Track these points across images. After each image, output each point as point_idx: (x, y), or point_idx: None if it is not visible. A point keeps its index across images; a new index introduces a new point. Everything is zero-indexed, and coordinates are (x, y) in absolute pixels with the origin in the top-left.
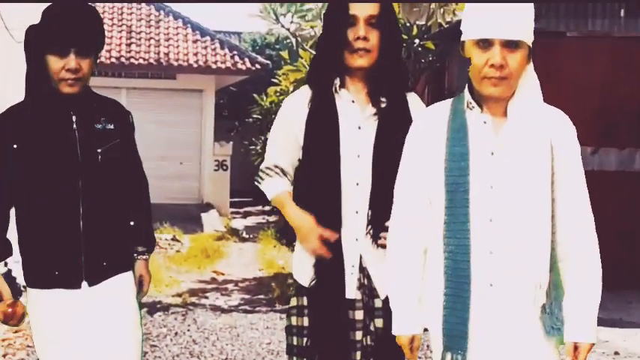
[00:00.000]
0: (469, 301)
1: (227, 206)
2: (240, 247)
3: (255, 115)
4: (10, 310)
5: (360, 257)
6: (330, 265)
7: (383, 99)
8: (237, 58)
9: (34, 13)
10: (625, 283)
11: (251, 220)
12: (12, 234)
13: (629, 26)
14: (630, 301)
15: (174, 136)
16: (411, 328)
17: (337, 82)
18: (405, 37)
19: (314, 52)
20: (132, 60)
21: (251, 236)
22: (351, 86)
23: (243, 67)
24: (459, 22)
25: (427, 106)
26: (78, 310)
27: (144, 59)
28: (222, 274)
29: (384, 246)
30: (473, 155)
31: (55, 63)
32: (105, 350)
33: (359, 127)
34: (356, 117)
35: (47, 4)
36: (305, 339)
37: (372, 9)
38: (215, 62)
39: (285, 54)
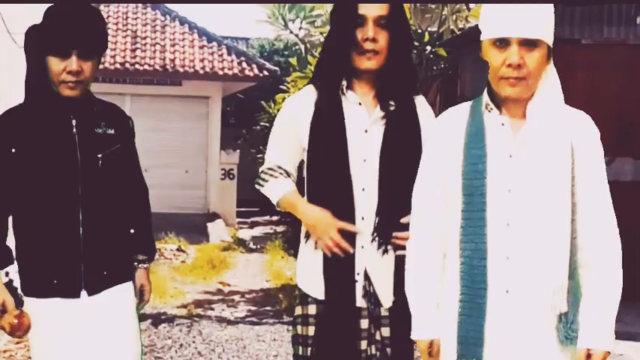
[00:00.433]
0: (485, 308)
1: (234, 216)
2: (246, 258)
3: (262, 123)
4: (16, 321)
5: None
6: (340, 273)
7: (391, 102)
8: (244, 65)
9: (36, 18)
10: None
11: (258, 231)
12: (12, 242)
13: None
14: None
15: (179, 144)
16: (430, 332)
17: (344, 83)
18: (416, 43)
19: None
20: (137, 66)
21: (258, 247)
22: (357, 88)
23: (251, 74)
24: (471, 29)
25: (439, 114)
26: (77, 320)
27: (149, 65)
28: (229, 285)
29: (399, 247)
30: (490, 158)
31: (55, 65)
32: None
33: (365, 131)
34: (363, 120)
35: (49, 5)
36: (310, 349)
37: (382, 9)
38: (222, 68)
39: (293, 60)
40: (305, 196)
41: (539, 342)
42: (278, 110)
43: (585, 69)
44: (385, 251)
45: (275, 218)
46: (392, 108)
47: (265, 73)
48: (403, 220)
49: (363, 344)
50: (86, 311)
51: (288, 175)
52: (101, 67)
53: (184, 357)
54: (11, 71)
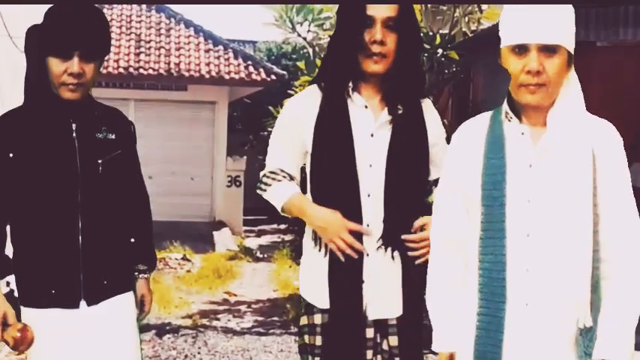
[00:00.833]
0: (504, 322)
1: (240, 224)
2: (253, 267)
3: (270, 129)
4: (19, 335)
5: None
6: (346, 281)
7: (398, 105)
8: (251, 69)
9: (38, 20)
10: None
11: (265, 239)
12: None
13: None
14: None
15: (184, 151)
16: (451, 344)
17: (350, 85)
18: (427, 46)
19: None
20: (141, 70)
21: (265, 256)
22: (364, 90)
23: (258, 78)
24: (484, 31)
25: (450, 119)
26: (76, 331)
27: (153, 69)
28: (235, 295)
29: (407, 252)
30: (510, 168)
31: (56, 66)
32: None
33: (371, 135)
34: (369, 124)
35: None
36: (318, 359)
37: (391, 10)
38: (228, 73)
39: (301, 64)
40: None
41: (558, 357)
42: None
43: (601, 72)
44: (392, 258)
45: (283, 226)
46: (399, 112)
47: (273, 77)
48: (416, 224)
49: (369, 354)
50: (85, 322)
51: (292, 178)
52: (104, 71)
53: None
54: (12, 75)
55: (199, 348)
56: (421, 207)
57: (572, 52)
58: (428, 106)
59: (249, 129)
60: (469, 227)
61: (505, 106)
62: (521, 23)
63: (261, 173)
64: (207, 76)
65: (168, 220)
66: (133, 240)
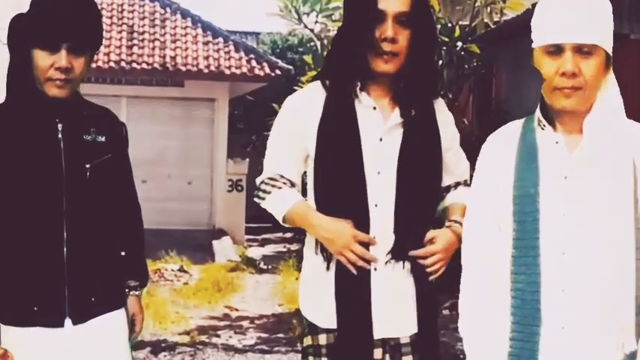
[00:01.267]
0: (538, 347)
1: (242, 233)
2: (257, 280)
3: None
4: None
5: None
6: (355, 299)
7: (410, 107)
8: (254, 63)
9: (24, 11)
10: None
11: (270, 249)
12: None
13: None
14: None
15: (181, 152)
16: None
17: (357, 83)
18: (446, 39)
19: None
20: (133, 64)
21: (270, 267)
22: (372, 90)
23: (262, 73)
24: (507, 23)
25: (471, 118)
26: (60, 352)
27: (147, 64)
28: (236, 310)
29: (418, 267)
30: (543, 180)
31: (42, 59)
32: None
33: (380, 139)
34: (377, 126)
35: None
36: None
37: (404, 4)
38: (229, 67)
39: (308, 58)
40: None
41: None
42: None
43: (634, 66)
44: (402, 272)
45: (288, 235)
46: (410, 114)
47: (277, 72)
48: (426, 238)
49: None
50: (71, 342)
51: (293, 185)
52: (93, 65)
53: None
54: None
55: None
56: (433, 217)
57: (611, 53)
58: (441, 107)
59: (251, 129)
60: (501, 244)
61: (538, 113)
62: (555, 21)
63: (258, 179)
64: (205, 70)
65: (164, 228)
66: (123, 253)
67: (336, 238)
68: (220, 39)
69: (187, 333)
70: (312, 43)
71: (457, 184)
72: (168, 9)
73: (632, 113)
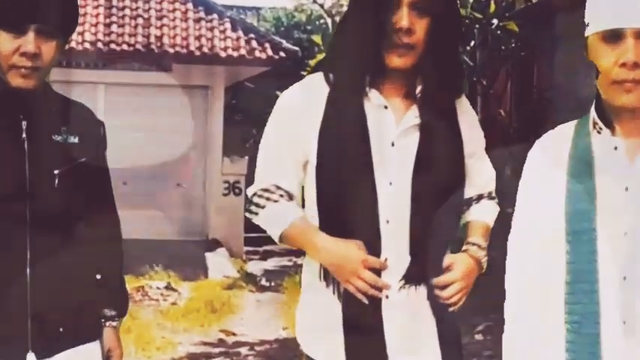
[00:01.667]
0: None
1: (241, 243)
2: (257, 299)
3: None
4: None
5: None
6: (367, 331)
7: (427, 106)
8: (254, 44)
9: None
10: None
11: (273, 263)
12: None
13: None
14: None
15: (168, 149)
16: None
17: (367, 78)
18: (479, 15)
19: None
20: (112, 46)
21: (272, 284)
22: (383, 86)
23: (263, 56)
24: None
25: (509, 109)
26: None
27: (128, 44)
28: (234, 335)
29: (437, 299)
30: (600, 193)
31: (6, 43)
32: None
33: (392, 144)
34: (389, 129)
35: None
36: None
37: None
38: (225, 49)
39: (317, 38)
40: None
41: None
42: None
43: None
44: (418, 301)
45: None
46: (427, 114)
47: (282, 54)
48: (444, 263)
49: None
50: None
51: (291, 197)
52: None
53: None
54: None
55: None
56: (454, 235)
57: None
58: (464, 106)
59: (251, 121)
60: (551, 270)
61: (592, 113)
62: (613, 3)
63: (250, 190)
64: (197, 53)
65: (147, 239)
66: (98, 276)
67: (342, 264)
68: (214, 15)
69: None
70: (321, 21)
71: (480, 197)
72: None
73: None
